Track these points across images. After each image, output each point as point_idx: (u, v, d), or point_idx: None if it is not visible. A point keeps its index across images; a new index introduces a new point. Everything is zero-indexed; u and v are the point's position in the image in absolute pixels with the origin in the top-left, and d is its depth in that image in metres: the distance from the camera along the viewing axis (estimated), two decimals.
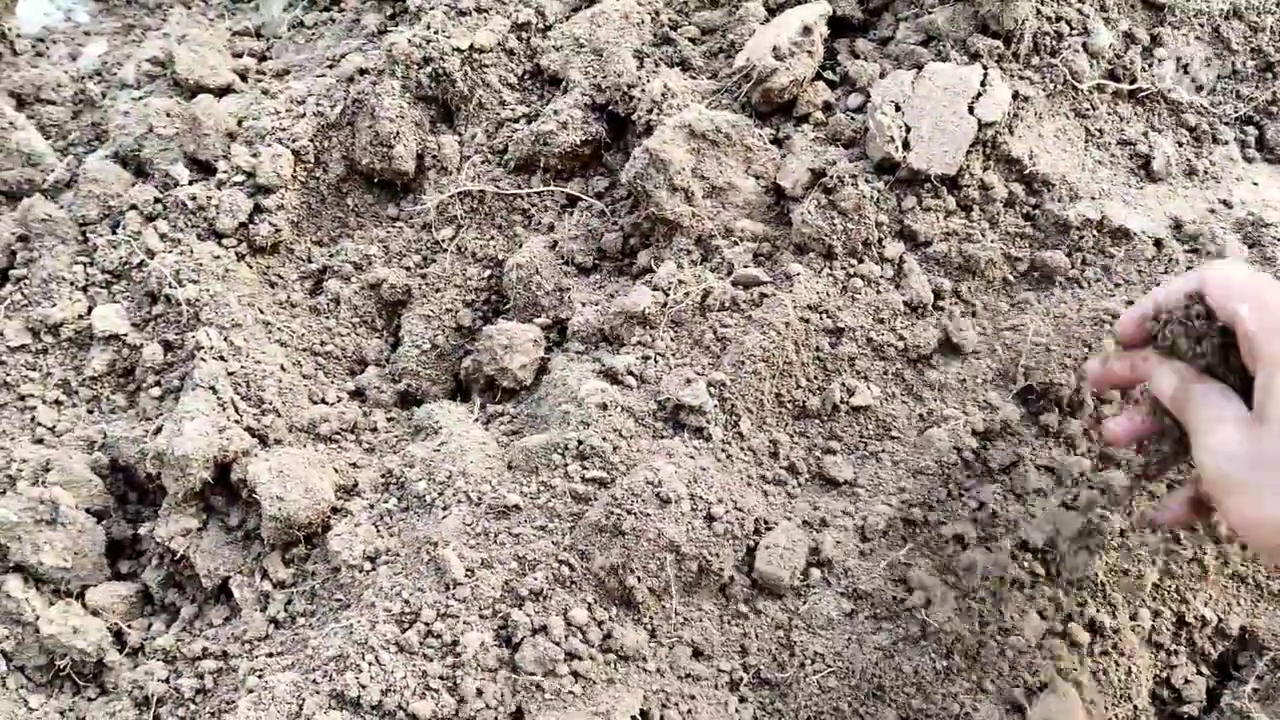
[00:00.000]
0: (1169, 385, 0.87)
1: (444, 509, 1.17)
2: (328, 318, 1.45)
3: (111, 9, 1.96)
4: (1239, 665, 1.20)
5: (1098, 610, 1.13)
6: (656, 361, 1.22)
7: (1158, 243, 1.22)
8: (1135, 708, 1.12)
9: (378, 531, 1.20)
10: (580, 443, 1.16)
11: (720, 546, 1.11)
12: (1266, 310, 0.79)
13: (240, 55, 1.70)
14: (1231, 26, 1.32)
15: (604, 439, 1.16)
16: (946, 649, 1.10)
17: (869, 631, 1.11)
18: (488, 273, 1.40)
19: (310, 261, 1.48)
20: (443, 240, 1.42)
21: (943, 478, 1.17)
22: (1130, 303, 1.18)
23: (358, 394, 1.41)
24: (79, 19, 1.96)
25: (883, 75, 1.28)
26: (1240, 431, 0.79)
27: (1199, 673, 1.17)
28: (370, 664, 1.06)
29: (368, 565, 1.17)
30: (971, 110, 1.21)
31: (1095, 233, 1.22)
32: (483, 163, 1.43)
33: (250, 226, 1.44)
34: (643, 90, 1.34)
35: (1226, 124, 1.34)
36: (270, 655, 1.16)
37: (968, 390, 1.20)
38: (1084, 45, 1.28)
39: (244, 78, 1.65)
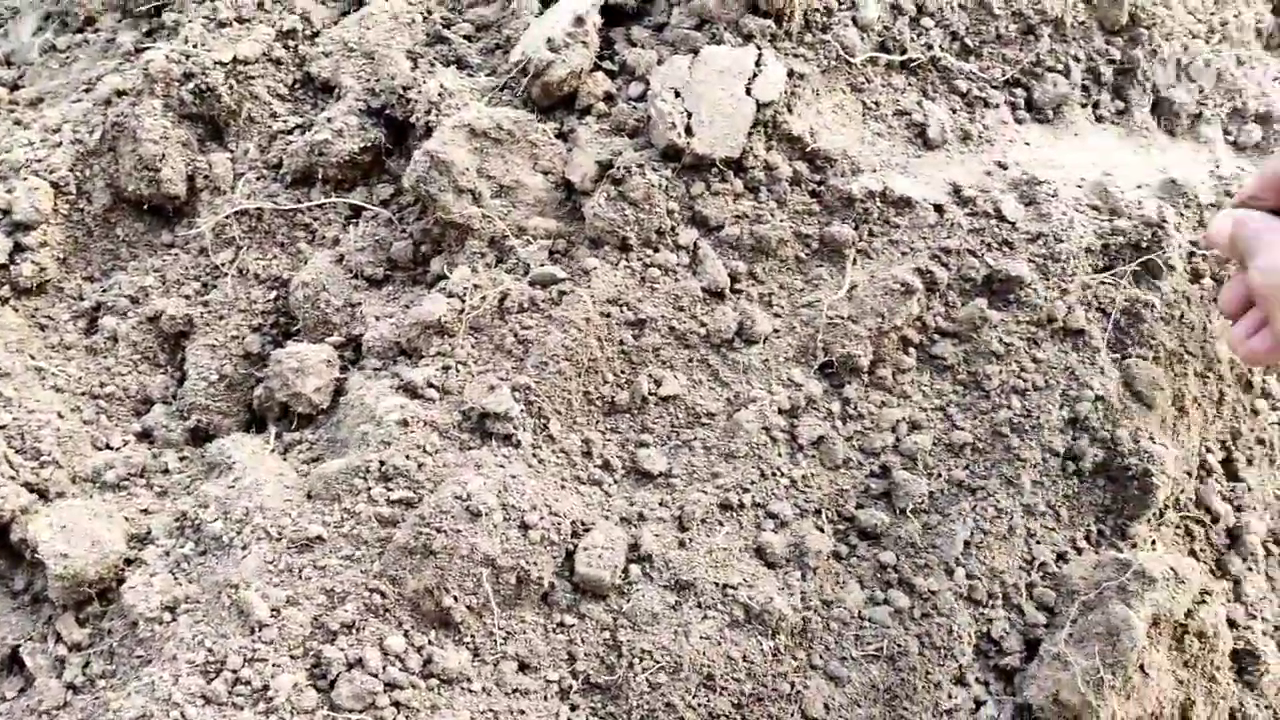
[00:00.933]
0: (1225, 227, 0.84)
1: (243, 548, 1.10)
2: (105, 357, 1.35)
3: None
4: (1054, 612, 1.25)
5: (914, 574, 1.15)
6: (458, 371, 1.18)
7: (938, 208, 1.25)
8: (960, 665, 1.15)
9: (175, 579, 1.12)
10: (382, 463, 1.11)
11: (537, 554, 1.08)
12: None
13: None
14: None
15: (407, 457, 1.11)
16: (772, 630, 1.10)
17: (695, 621, 1.10)
18: (274, 294, 1.33)
19: (82, 299, 1.38)
20: (222, 264, 1.34)
21: (755, 459, 1.17)
22: (918, 269, 1.21)
23: (145, 435, 1.32)
24: None
25: (660, 62, 1.27)
26: None
27: (1015, 624, 1.21)
28: None
29: (167, 616, 1.10)
30: (749, 91, 1.21)
31: (879, 204, 1.24)
32: (258, 179, 1.36)
33: (11, 267, 1.33)
34: (419, 91, 1.30)
35: (995, 88, 1.39)
36: None
37: (771, 370, 1.20)
38: (854, 19, 1.30)
39: None
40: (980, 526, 1.19)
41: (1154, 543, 1.24)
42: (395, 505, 1.10)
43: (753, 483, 1.16)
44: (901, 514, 1.17)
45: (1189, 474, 1.29)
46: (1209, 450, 1.31)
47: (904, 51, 1.32)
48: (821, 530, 1.17)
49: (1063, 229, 1.23)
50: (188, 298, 1.36)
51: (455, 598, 1.06)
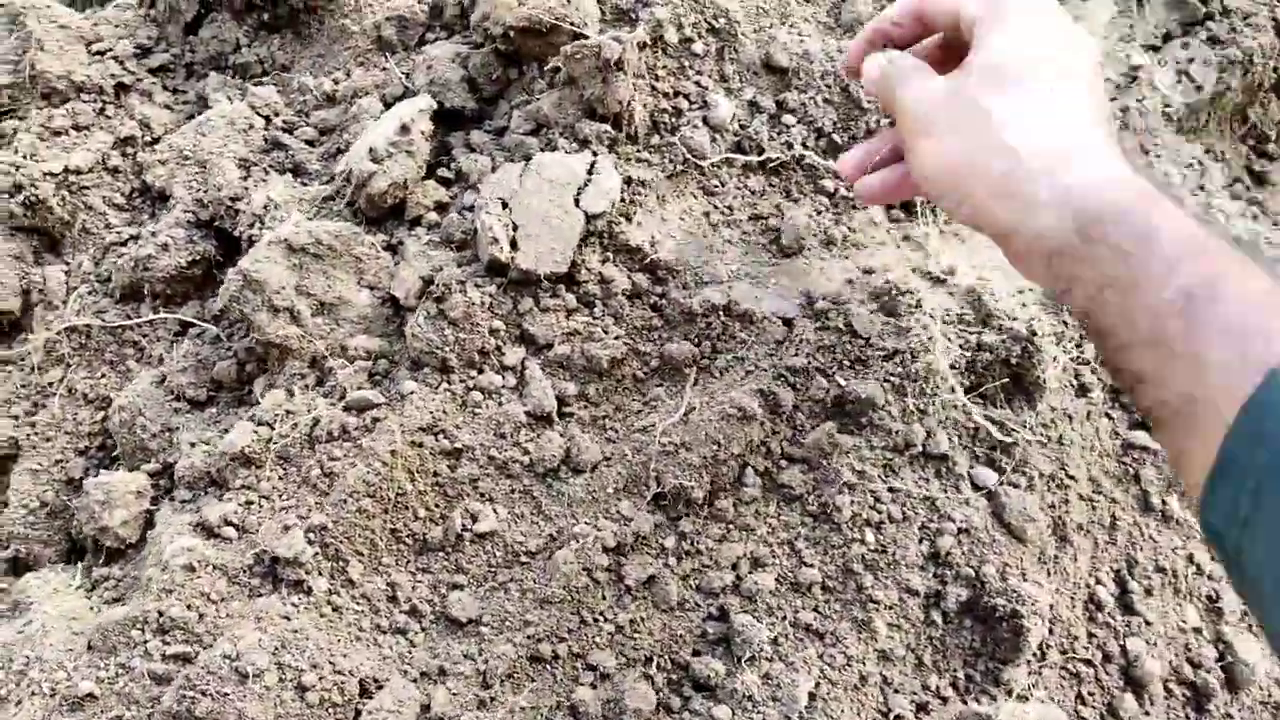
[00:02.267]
0: (876, 67, 0.88)
1: (16, 704, 1.02)
2: None
3: None
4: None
5: None
6: (260, 506, 1.10)
7: (787, 322, 1.15)
8: None
9: None
10: (160, 613, 1.03)
11: (316, 719, 0.98)
12: None
13: None
14: (860, 85, 1.26)
15: (189, 606, 1.03)
16: None
17: None
18: (100, 415, 1.26)
19: None
20: (51, 383, 1.28)
21: (575, 603, 1.07)
22: (761, 390, 1.11)
23: None
24: None
25: (495, 169, 1.20)
26: (940, 81, 0.81)
27: None
28: None
29: None
30: (578, 202, 1.13)
31: (723, 318, 1.14)
32: (90, 293, 1.30)
33: None
34: (247, 203, 1.23)
35: None
36: None
37: (599, 503, 1.10)
38: (705, 119, 1.22)
39: None
40: (827, 676, 1.08)
41: (1032, 688, 1.12)
42: (170, 661, 1.01)
43: (570, 631, 1.06)
44: (739, 662, 1.07)
45: (1075, 610, 1.17)
46: (1099, 582, 1.19)
47: (761, 152, 1.23)
48: (651, 680, 1.06)
49: (922, 344, 1.12)
50: (15, 418, 1.29)
51: None
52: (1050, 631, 1.14)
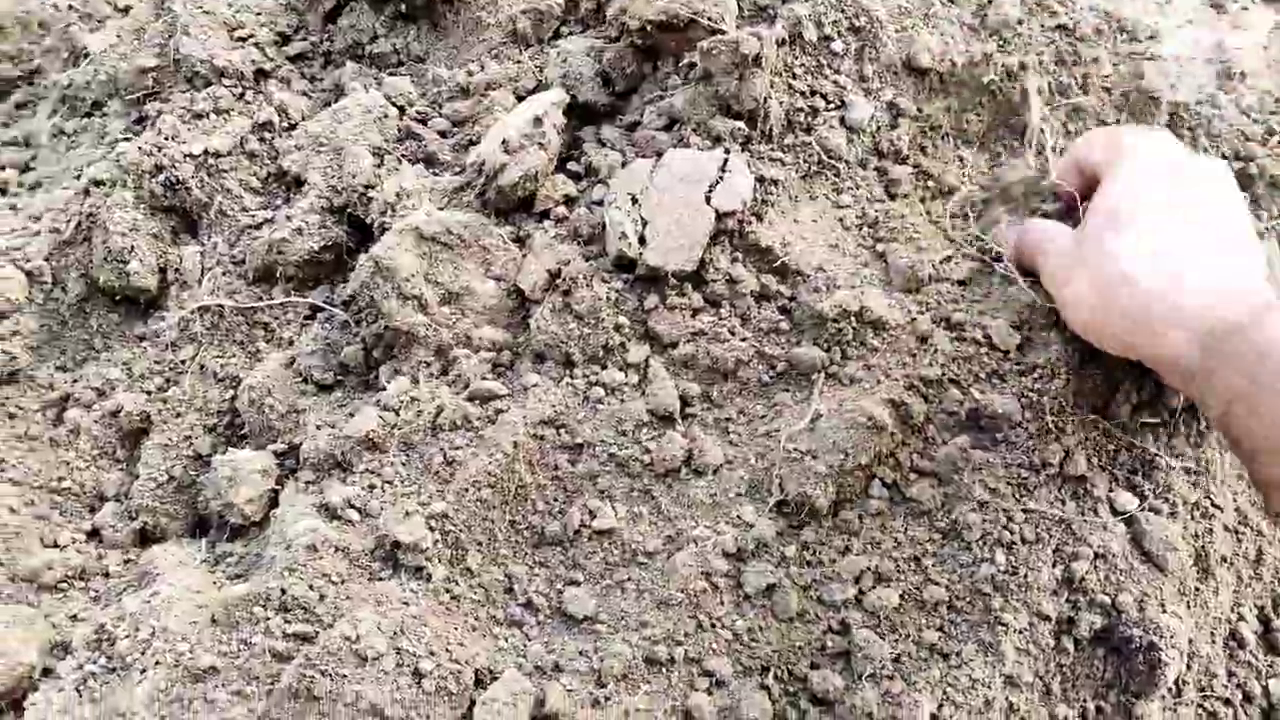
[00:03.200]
0: (1014, 236, 1.05)
1: (141, 673, 1.04)
2: (66, 450, 1.32)
3: None
4: None
5: None
6: (383, 491, 1.10)
7: (922, 331, 1.11)
8: None
9: (79, 697, 1.07)
10: (284, 591, 1.04)
11: (432, 706, 0.98)
12: (1103, 141, 0.94)
13: (3, 168, 1.59)
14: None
15: (310, 586, 1.04)
16: None
17: None
18: (229, 394, 1.29)
19: (52, 389, 1.36)
20: (183, 361, 1.31)
21: (693, 607, 1.05)
22: (891, 400, 1.08)
23: (94, 534, 1.29)
24: None
25: (625, 164, 1.18)
26: (1070, 234, 0.92)
27: None
28: None
29: None
30: (709, 200, 1.11)
31: (854, 324, 1.11)
32: (224, 274, 1.32)
33: None
34: (379, 191, 1.24)
35: None
36: None
37: (719, 507, 1.08)
38: (841, 120, 1.19)
39: (4, 191, 1.55)
40: (951, 698, 1.04)
41: None
42: (290, 639, 1.02)
43: (686, 634, 1.04)
44: (859, 678, 1.04)
45: (1215, 645, 1.11)
46: (1241, 619, 1.13)
47: (899, 155, 1.19)
48: (768, 690, 1.04)
49: (1062, 360, 1.08)
50: (149, 393, 1.32)
51: None
52: (1188, 667, 1.09)
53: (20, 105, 1.71)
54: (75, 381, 1.36)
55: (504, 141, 1.17)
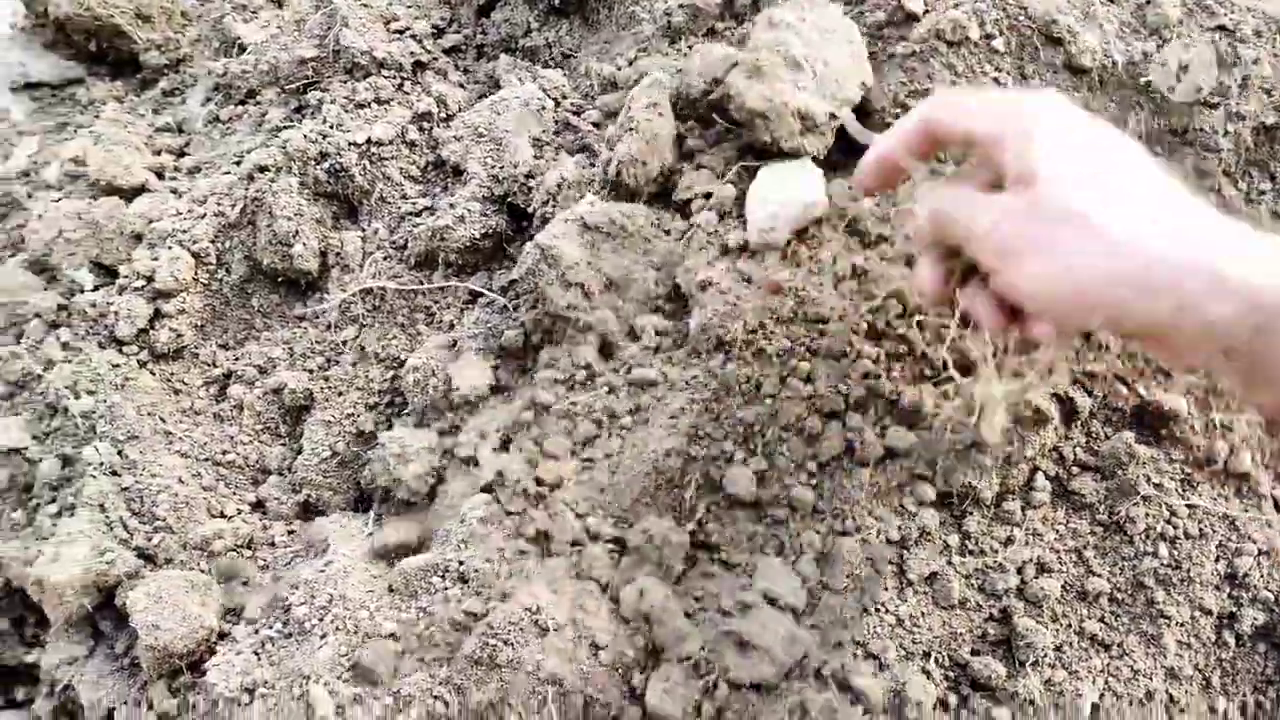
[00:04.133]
0: (928, 208, 0.83)
1: (321, 638, 1.09)
2: (230, 425, 1.38)
3: (46, 107, 1.93)
4: None
5: None
6: (546, 467, 1.14)
7: None
8: None
9: (258, 660, 1.12)
10: (461, 563, 1.08)
11: (608, 678, 1.02)
12: (992, 109, 0.79)
13: (159, 152, 1.65)
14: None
15: (487, 560, 1.08)
16: None
17: None
18: (390, 374, 1.33)
19: (215, 366, 1.42)
20: (345, 341, 1.36)
21: (857, 592, 1.07)
22: (1056, 395, 1.09)
23: (259, 506, 1.34)
24: (15, 117, 1.93)
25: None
26: (1008, 201, 0.75)
27: None
28: None
29: (245, 698, 1.09)
30: None
31: None
32: (385, 259, 1.37)
33: (151, 332, 1.39)
34: (539, 180, 1.28)
35: None
36: None
37: (882, 495, 1.10)
38: None
39: (161, 175, 1.61)
40: (1112, 689, 1.05)
41: None
42: (469, 610, 1.06)
43: (851, 618, 1.07)
44: (1021, 666, 1.05)
45: None
46: None
47: None
48: (929, 674, 1.06)
49: None
50: (311, 372, 1.38)
51: (519, 715, 1.01)
52: None
53: (168, 93, 1.77)
54: (237, 359, 1.41)
55: (629, 129, 1.20)
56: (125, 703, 1.19)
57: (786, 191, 1.14)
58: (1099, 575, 1.08)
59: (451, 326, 1.31)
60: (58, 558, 1.19)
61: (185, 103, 1.77)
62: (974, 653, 1.07)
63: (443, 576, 1.08)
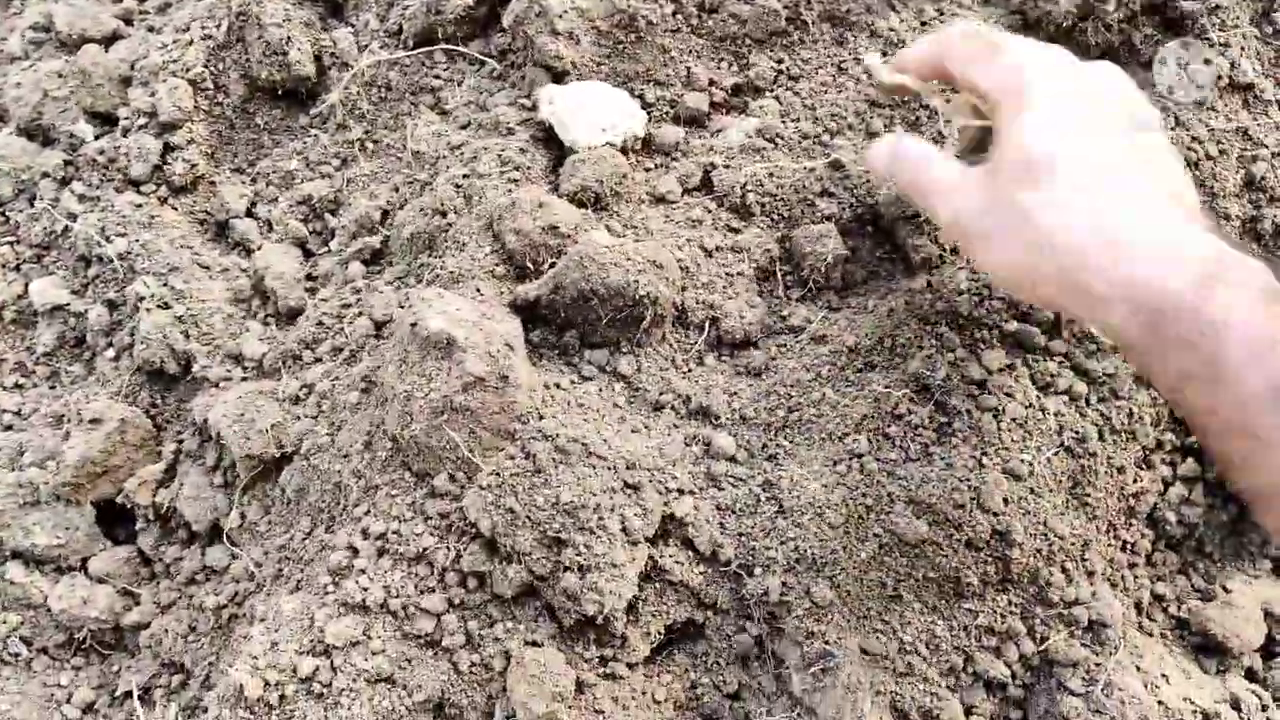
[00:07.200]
0: (886, 154, 0.92)
1: None
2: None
3: None
4: None
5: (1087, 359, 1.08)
6: None
7: None
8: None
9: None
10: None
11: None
12: (995, 73, 0.82)
13: (120, 0, 1.62)
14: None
15: None
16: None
17: None
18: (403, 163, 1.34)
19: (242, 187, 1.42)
20: (357, 139, 1.37)
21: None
22: None
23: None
24: None
25: None
26: (974, 184, 0.81)
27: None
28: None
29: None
30: None
31: None
32: (381, 48, 1.36)
33: (165, 168, 1.39)
34: None
35: None
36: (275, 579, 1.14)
37: None
38: None
39: (129, 21, 1.58)
40: None
41: None
42: None
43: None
44: None
45: None
46: None
47: None
48: None
49: None
50: (328, 177, 1.38)
51: None
52: None
53: None
54: (254, 180, 1.42)
55: None
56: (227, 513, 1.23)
57: None
58: None
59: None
60: None
61: None
62: None
63: None
